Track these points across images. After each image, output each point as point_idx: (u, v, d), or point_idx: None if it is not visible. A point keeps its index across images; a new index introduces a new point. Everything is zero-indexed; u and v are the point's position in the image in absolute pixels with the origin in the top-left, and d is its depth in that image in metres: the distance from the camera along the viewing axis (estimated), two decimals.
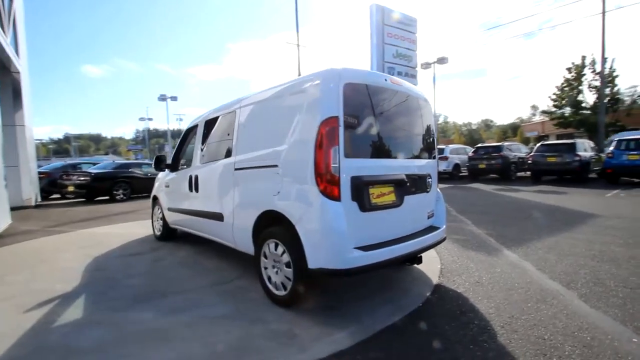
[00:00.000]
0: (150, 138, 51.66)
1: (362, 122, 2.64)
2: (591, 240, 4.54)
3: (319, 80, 2.54)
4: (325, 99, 2.47)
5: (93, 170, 11.82)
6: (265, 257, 2.94)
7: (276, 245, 2.80)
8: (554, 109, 27.71)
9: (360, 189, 2.54)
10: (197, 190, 4.00)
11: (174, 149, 4.95)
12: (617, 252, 4.01)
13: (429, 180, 3.25)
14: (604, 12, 13.40)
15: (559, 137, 26.78)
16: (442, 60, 19.95)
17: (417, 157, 3.17)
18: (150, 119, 47.14)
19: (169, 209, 4.82)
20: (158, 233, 5.33)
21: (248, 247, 3.22)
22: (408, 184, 2.92)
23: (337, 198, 2.43)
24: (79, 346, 2.28)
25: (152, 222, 5.55)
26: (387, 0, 16.77)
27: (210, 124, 4.03)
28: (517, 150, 15.16)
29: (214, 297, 3.04)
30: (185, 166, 4.68)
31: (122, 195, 11.49)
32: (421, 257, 3.06)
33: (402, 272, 3.56)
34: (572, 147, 12.08)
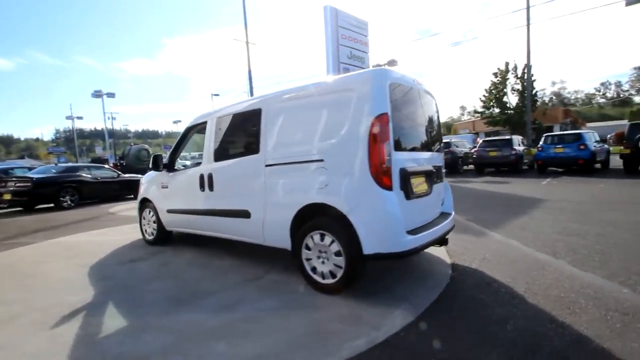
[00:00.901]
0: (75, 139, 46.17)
1: (402, 118, 2.90)
2: (552, 220, 5.38)
3: (370, 79, 2.75)
4: (377, 96, 2.68)
5: (33, 175, 10.43)
6: (308, 248, 3.05)
7: (322, 236, 2.94)
8: (483, 109, 31.05)
9: (406, 179, 2.80)
10: (211, 188, 3.91)
11: (172, 149, 4.72)
12: (576, 227, 4.83)
13: (443, 170, 3.64)
14: (528, 25, 15.49)
15: (487, 134, 30.02)
16: (392, 63, 21.17)
17: (434, 149, 3.54)
18: (80, 118, 42.23)
19: (169, 211, 4.60)
20: (150, 237, 5.03)
21: (282, 241, 3.29)
22: (433, 174, 3.26)
23: (390, 188, 2.66)
24: (146, 351, 2.19)
25: (141, 227, 5.21)
26: (337, 2, 17.28)
27: (224, 121, 3.96)
28: (462, 146, 16.78)
29: (255, 293, 3.07)
30: (183, 165, 4.50)
31: (69, 202, 10.33)
32: (447, 238, 3.42)
33: (416, 256, 3.91)
34: (509, 143, 13.79)
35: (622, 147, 11.10)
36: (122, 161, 20.08)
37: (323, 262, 2.98)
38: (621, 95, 63.18)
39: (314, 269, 3.04)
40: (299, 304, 2.81)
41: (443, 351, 2.08)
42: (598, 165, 12.91)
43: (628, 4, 12.86)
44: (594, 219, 5.28)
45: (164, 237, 4.92)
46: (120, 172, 12.40)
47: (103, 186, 11.38)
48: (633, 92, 60.62)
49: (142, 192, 5.18)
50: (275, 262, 3.80)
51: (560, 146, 12.41)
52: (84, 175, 10.97)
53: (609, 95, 65.79)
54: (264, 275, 3.49)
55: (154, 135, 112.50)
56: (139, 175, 13.31)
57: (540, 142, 13.21)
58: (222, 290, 3.14)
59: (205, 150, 4.05)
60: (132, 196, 12.02)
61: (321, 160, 2.93)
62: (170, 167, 4.66)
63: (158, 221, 4.84)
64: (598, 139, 13.54)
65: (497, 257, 3.78)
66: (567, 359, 1.96)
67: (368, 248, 2.68)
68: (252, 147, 3.53)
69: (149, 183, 5.12)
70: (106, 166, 13.36)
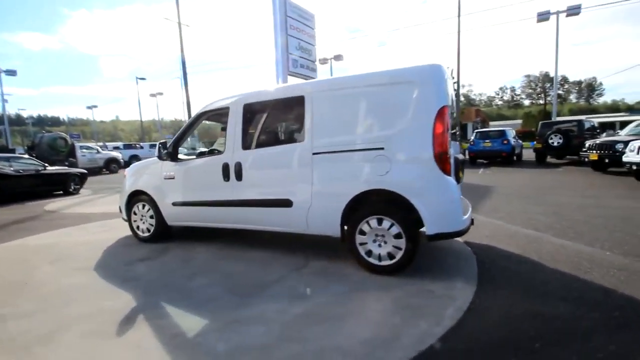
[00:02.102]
0: None
1: (450, 111, 3.21)
2: (511, 203, 6.35)
3: (432, 72, 2.98)
4: (440, 90, 2.94)
5: None
6: (363, 233, 3.19)
7: (380, 221, 3.11)
8: None
9: (457, 166, 3.13)
10: (239, 178, 3.74)
11: (176, 136, 4.32)
12: (535, 208, 5.80)
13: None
14: (459, 33, 17.43)
15: None
16: (338, 58, 21.81)
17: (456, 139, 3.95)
18: None
19: (175, 204, 4.23)
20: (145, 234, 4.56)
21: (329, 228, 3.37)
22: (465, 162, 3.66)
23: (449, 174, 2.95)
24: (261, 342, 2.14)
25: (131, 223, 4.67)
26: None
27: (255, 107, 3.79)
28: None
29: (316, 280, 3.10)
30: (188, 154, 4.19)
31: None
32: (473, 219, 3.88)
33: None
34: None
35: (536, 142, 13.37)
36: (31, 152, 17.03)
37: (380, 245, 3.16)
38: (514, 99, 74.81)
39: (368, 253, 3.20)
40: (367, 286, 2.95)
41: (520, 310, 2.46)
42: (515, 158, 15.29)
43: (539, 20, 15.38)
44: (542, 201, 6.39)
45: (162, 234, 4.51)
46: (46, 164, 10.59)
47: (27, 180, 9.62)
48: (524, 96, 72.25)
49: (132, 184, 4.64)
50: (306, 250, 3.85)
51: (488, 141, 14.36)
52: (5, 168, 9.12)
53: (505, 98, 77.31)
54: (306, 264, 3.52)
55: (55, 122, 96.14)
56: (69, 169, 11.53)
57: (472, 137, 15.09)
58: (280, 281, 3.11)
59: (230, 137, 3.84)
60: (61, 192, 10.46)
61: (381, 149, 3.08)
62: (174, 156, 4.28)
63: (157, 216, 4.42)
64: (514, 135, 16.00)
65: (496, 234, 4.39)
66: (605, 302, 2.50)
67: (431, 229, 2.95)
68: (294, 135, 3.49)
69: (141, 174, 4.61)
70: (26, 157, 11.25)
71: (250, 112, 3.81)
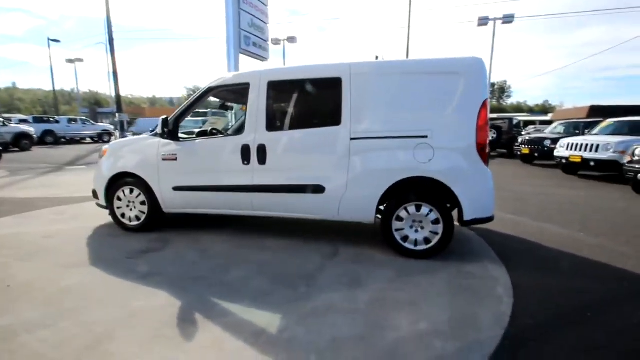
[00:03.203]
0: None
1: None
2: None
3: (477, 65, 3.08)
4: (484, 83, 3.07)
5: None
6: (400, 219, 3.25)
7: (418, 207, 3.19)
8: None
9: (487, 157, 3.33)
10: (262, 162, 3.46)
11: (177, 112, 3.78)
12: (503, 195, 6.50)
13: None
14: (409, 31, 18.27)
15: None
16: (292, 40, 21.16)
17: None
18: None
19: (177, 189, 3.75)
20: (134, 223, 3.98)
21: (363, 215, 3.36)
22: None
23: (487, 164, 3.14)
24: (349, 334, 2.06)
25: (114, 211, 4.02)
26: None
27: (282, 86, 3.49)
28: None
29: (359, 267, 3.06)
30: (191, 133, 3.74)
31: None
32: None
33: None
34: None
35: None
36: None
37: (416, 231, 3.25)
38: None
39: (405, 238, 3.27)
40: (411, 270, 3.01)
41: (553, 285, 2.77)
42: None
43: (479, 25, 16.88)
44: (506, 189, 7.17)
45: (155, 222, 4.00)
46: None
47: None
48: None
49: (115, 164, 3.98)
50: (324, 237, 3.79)
51: None
52: None
53: None
54: (337, 251, 3.45)
55: None
56: None
57: None
58: (323, 270, 3.00)
59: (250, 117, 3.51)
60: None
61: (425, 137, 3.12)
62: (174, 134, 3.77)
63: (151, 202, 3.88)
64: None
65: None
66: (609, 276, 2.96)
67: (469, 215, 3.13)
68: (329, 118, 3.33)
69: (129, 153, 3.98)
70: None
71: (276, 90, 3.51)
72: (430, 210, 3.18)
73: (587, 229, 4.30)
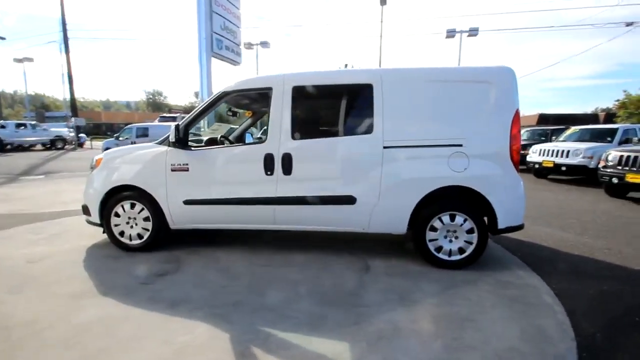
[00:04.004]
0: None
1: None
2: None
3: (509, 75, 3.10)
4: (516, 92, 3.10)
5: None
6: (434, 230, 3.18)
7: (452, 217, 3.14)
8: None
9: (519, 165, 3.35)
10: (287, 172, 3.24)
11: (188, 119, 3.43)
12: None
13: None
14: (381, 36, 18.75)
15: None
16: (265, 44, 20.77)
17: None
18: None
19: (189, 202, 3.40)
20: (136, 242, 3.55)
21: (395, 226, 3.26)
22: None
23: (518, 171, 3.16)
24: (436, 356, 1.91)
25: (111, 228, 3.56)
26: None
27: (307, 90, 3.29)
28: None
29: (400, 281, 2.93)
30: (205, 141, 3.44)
31: None
32: None
33: None
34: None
35: None
36: None
37: (451, 241, 3.20)
38: None
39: (438, 249, 3.20)
40: (454, 282, 2.93)
41: (591, 290, 2.83)
42: None
43: (447, 36, 17.70)
44: None
45: (160, 240, 3.60)
46: None
47: None
48: None
49: (112, 176, 3.54)
50: (349, 248, 3.64)
51: None
52: None
53: None
54: (367, 264, 3.31)
55: None
56: None
57: None
58: (365, 286, 2.84)
59: (274, 124, 3.27)
60: None
61: (460, 145, 3.09)
62: (184, 143, 3.43)
63: (156, 217, 3.49)
64: None
65: None
66: (632, 277, 3.10)
67: (502, 223, 3.13)
68: (360, 125, 3.20)
69: (129, 164, 3.55)
70: None
71: (301, 95, 3.31)
72: (465, 220, 3.14)
73: (588, 232, 4.52)
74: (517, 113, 3.09)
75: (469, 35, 18.04)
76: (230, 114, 4.10)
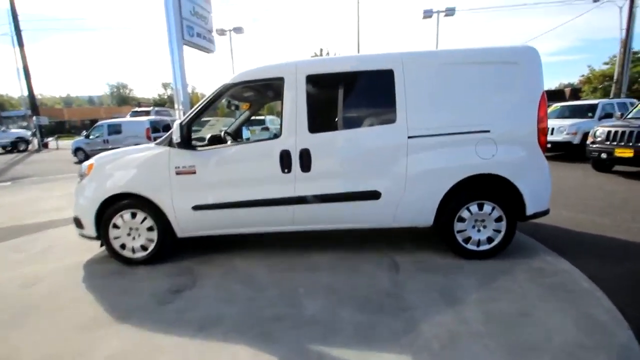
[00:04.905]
0: None
1: None
2: None
3: (534, 55, 2.96)
4: (541, 73, 2.97)
5: None
6: (462, 220, 3.07)
7: (480, 206, 3.04)
8: None
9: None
10: (306, 168, 3.00)
11: (189, 116, 3.09)
12: None
13: None
14: (358, 26, 18.36)
15: None
16: (238, 30, 19.83)
17: None
18: None
19: (199, 207, 3.10)
20: (140, 254, 3.22)
21: (421, 219, 3.14)
22: None
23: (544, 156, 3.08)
24: None
25: (110, 241, 3.22)
26: None
27: (322, 79, 3.02)
28: None
29: (434, 278, 2.82)
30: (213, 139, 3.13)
31: None
32: None
33: None
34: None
35: None
36: None
37: (479, 231, 3.11)
38: None
39: (467, 240, 3.11)
40: (490, 274, 2.83)
41: (620, 271, 2.83)
42: None
43: (424, 17, 17.57)
44: None
45: (166, 250, 3.30)
46: None
47: None
48: None
49: (107, 184, 3.17)
50: (369, 245, 3.49)
51: None
52: None
53: None
54: (394, 261, 3.16)
55: None
56: None
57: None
58: (403, 286, 2.70)
59: (289, 117, 3.00)
60: None
61: (487, 131, 2.96)
62: (188, 142, 3.10)
63: (161, 226, 3.18)
64: None
65: None
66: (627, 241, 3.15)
67: (530, 209, 3.06)
68: (382, 115, 2.99)
69: (126, 168, 3.19)
70: None
71: (316, 85, 3.05)
72: (493, 208, 3.04)
73: (591, 210, 4.59)
74: (543, 94, 2.98)
75: (445, 15, 18.01)
76: (233, 107, 3.77)
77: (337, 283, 2.78)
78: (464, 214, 3.07)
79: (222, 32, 19.64)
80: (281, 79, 3.04)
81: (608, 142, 6.97)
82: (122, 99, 63.04)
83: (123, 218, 3.20)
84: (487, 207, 3.05)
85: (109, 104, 62.13)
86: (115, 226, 3.21)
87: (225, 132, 3.99)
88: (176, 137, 2.95)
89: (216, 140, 3.65)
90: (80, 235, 3.38)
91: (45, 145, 20.84)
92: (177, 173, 3.10)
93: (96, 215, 3.21)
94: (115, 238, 3.23)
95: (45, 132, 22.74)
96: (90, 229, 3.25)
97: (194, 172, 3.10)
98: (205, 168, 3.10)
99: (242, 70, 3.16)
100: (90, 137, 13.62)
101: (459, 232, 3.10)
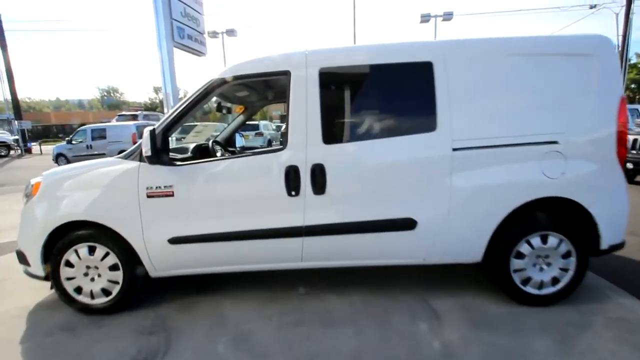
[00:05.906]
0: None
1: None
2: None
3: (609, 47, 2.32)
4: (619, 69, 2.32)
5: None
6: (521, 257, 2.38)
7: (544, 238, 2.36)
8: None
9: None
10: (319, 190, 2.29)
11: (165, 121, 2.36)
12: None
13: None
14: (354, 26, 17.79)
15: None
16: (231, 33, 19.13)
17: None
18: None
19: (177, 240, 2.36)
20: (100, 300, 2.46)
21: (469, 254, 2.44)
22: None
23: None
24: None
25: (61, 283, 2.46)
26: None
27: (340, 75, 2.33)
28: None
29: (494, 337, 2.12)
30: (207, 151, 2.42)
31: None
32: None
33: None
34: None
35: None
36: None
37: (541, 270, 2.42)
38: None
39: (526, 281, 2.42)
40: (562, 329, 2.16)
41: None
42: None
43: (422, 21, 17.08)
44: None
45: (132, 295, 2.54)
46: None
47: None
48: None
49: (65, 210, 2.41)
50: (393, 284, 2.78)
51: None
52: None
53: None
54: (431, 307, 2.46)
55: None
56: None
57: None
58: (453, 347, 2.00)
59: (297, 123, 2.30)
60: None
61: (555, 142, 2.28)
62: (162, 155, 2.36)
63: (128, 265, 2.43)
64: None
65: None
66: None
67: (606, 242, 2.38)
68: (418, 121, 2.31)
69: (85, 189, 2.43)
70: None
71: (332, 82, 2.35)
72: (560, 241, 2.36)
73: (635, 228, 3.94)
74: (623, 99, 2.32)
75: (443, 20, 17.53)
76: (225, 111, 3.05)
77: (365, 345, 2.06)
78: (523, 248, 2.38)
79: (214, 35, 18.89)
80: (286, 74, 2.33)
81: (634, 151, 6.42)
82: (113, 104, 61.77)
83: (78, 253, 2.44)
84: (553, 240, 2.36)
85: (99, 108, 60.78)
86: (69, 264, 2.46)
87: (214, 142, 3.25)
88: (146, 149, 2.20)
89: (202, 151, 2.93)
90: (26, 273, 2.61)
91: (29, 151, 19.87)
92: (149, 195, 2.35)
93: (43, 248, 2.44)
94: (69, 279, 2.47)
95: (32, 136, 21.71)
96: (36, 266, 2.48)
97: (171, 195, 2.35)
98: (186, 189, 2.36)
99: (234, 62, 2.45)
100: (73, 142, 12.73)
101: (515, 271, 2.41)
